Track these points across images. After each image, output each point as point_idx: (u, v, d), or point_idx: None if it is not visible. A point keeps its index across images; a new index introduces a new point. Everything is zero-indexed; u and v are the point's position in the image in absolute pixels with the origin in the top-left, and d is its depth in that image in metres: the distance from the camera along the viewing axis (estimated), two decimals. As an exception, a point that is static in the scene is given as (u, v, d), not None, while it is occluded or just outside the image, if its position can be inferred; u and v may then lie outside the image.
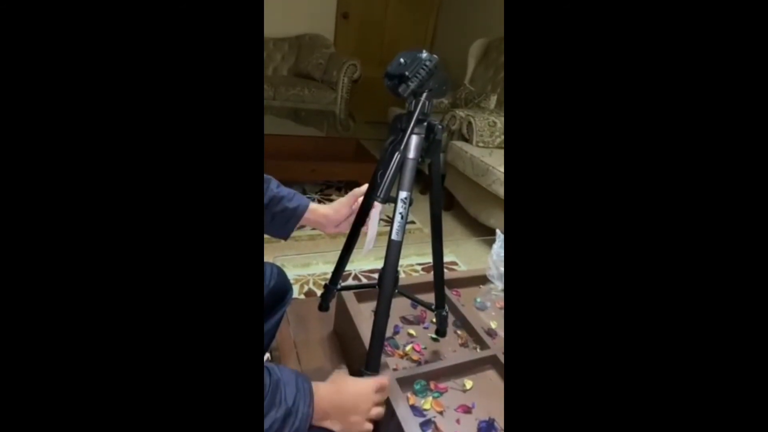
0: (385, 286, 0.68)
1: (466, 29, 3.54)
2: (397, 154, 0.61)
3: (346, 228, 0.83)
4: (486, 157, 2.01)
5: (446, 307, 0.88)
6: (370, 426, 0.62)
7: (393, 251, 0.66)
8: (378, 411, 0.63)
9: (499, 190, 1.86)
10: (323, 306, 0.88)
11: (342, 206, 0.82)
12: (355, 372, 0.82)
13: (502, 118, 2.23)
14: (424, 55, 0.64)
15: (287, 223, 0.78)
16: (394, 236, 0.66)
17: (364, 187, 0.79)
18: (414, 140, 0.66)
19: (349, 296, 0.95)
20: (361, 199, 0.80)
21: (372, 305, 1.04)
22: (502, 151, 2.12)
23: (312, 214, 0.79)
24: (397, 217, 0.65)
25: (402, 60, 0.63)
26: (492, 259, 1.20)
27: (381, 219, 0.75)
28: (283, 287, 0.88)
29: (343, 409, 0.59)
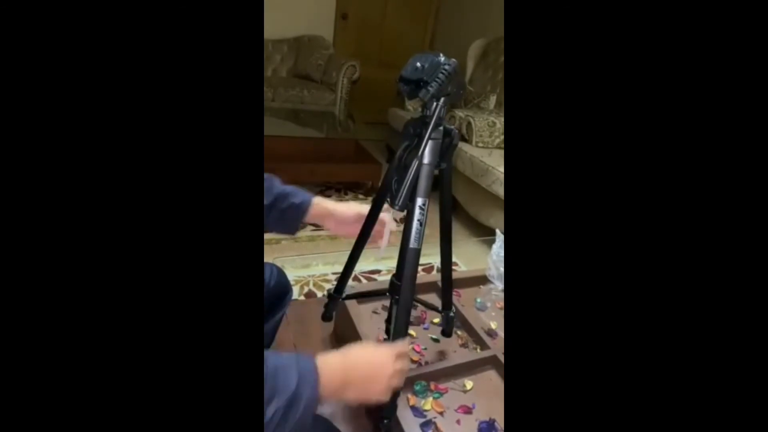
0: (403, 298, 0.66)
1: (464, 30, 3.54)
2: (415, 161, 0.59)
3: (347, 232, 0.81)
4: (486, 157, 2.01)
5: (453, 309, 0.88)
6: (388, 394, 0.59)
7: (411, 260, 0.63)
8: (398, 380, 0.59)
9: (499, 190, 1.86)
10: (327, 316, 0.87)
11: (350, 214, 0.79)
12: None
13: (502, 119, 2.23)
14: (442, 59, 0.61)
15: (295, 220, 0.77)
16: (412, 244, 0.63)
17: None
18: (431, 146, 0.64)
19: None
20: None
21: (373, 306, 1.04)
22: (502, 152, 2.12)
23: (316, 208, 0.78)
24: (415, 225, 0.63)
25: (419, 64, 0.61)
26: (492, 259, 1.20)
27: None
28: (283, 288, 0.88)
29: (357, 381, 0.56)
